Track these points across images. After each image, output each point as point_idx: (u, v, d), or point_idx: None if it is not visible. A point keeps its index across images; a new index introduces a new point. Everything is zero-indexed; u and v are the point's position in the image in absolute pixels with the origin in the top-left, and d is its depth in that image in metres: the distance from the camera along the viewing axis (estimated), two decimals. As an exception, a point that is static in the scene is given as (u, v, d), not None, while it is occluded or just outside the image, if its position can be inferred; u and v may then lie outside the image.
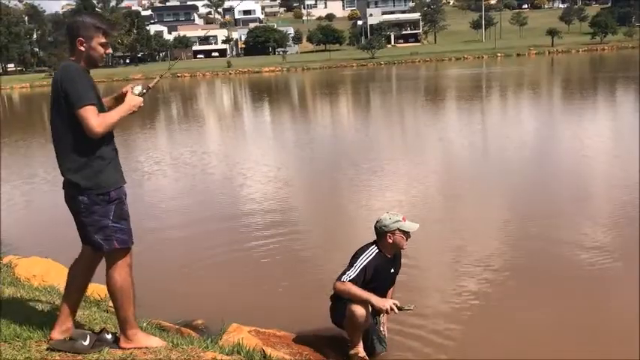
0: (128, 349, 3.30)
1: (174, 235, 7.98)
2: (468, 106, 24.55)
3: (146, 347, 3.33)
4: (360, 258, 4.10)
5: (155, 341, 3.42)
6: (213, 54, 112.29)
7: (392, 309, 3.95)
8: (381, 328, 4.42)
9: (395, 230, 4.15)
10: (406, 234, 4.18)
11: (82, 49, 3.20)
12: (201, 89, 55.37)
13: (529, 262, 6.27)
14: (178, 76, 76.60)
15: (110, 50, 3.35)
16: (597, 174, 10.55)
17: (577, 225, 7.49)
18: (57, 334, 3.32)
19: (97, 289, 4.74)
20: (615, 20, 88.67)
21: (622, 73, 37.89)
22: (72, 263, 3.47)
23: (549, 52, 77.69)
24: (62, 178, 3.29)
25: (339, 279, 4.05)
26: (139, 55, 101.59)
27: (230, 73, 79.11)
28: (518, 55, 76.29)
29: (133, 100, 3.31)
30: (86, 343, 3.21)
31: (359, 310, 3.97)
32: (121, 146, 3.49)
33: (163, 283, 5.94)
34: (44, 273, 5.40)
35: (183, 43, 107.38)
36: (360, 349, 4.16)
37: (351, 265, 4.09)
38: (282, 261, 6.73)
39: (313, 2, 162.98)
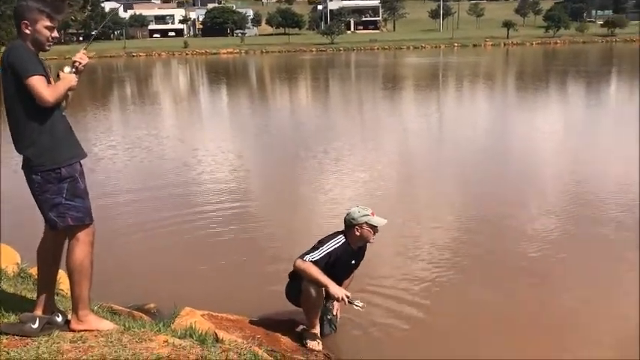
0: (79, 331, 3.26)
1: (126, 218, 7.87)
2: (426, 95, 24.87)
3: (97, 330, 3.29)
4: (327, 244, 4.16)
5: (107, 324, 3.39)
6: (170, 34, 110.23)
7: (343, 299, 4.02)
8: (333, 312, 4.49)
9: (363, 224, 4.22)
10: (374, 228, 4.25)
11: (28, 32, 3.18)
12: (156, 69, 54.29)
13: (481, 250, 6.43)
14: (133, 56, 74.98)
15: (56, 34, 3.30)
16: (549, 165, 10.85)
17: (526, 214, 7.71)
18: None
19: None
20: (568, 15, 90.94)
21: (573, 67, 38.96)
22: (38, 245, 3.41)
23: (504, 44, 79.20)
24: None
25: (301, 257, 4.10)
26: (93, 33, 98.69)
27: (187, 54, 77.81)
28: (474, 45, 77.55)
29: (69, 75, 3.25)
30: (35, 326, 3.15)
31: (314, 291, 4.03)
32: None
33: (116, 266, 5.86)
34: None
35: (139, 21, 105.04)
36: (317, 329, 4.22)
37: (316, 248, 4.15)
38: (237, 244, 6.72)
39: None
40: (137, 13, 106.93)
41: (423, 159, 11.72)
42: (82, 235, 3.24)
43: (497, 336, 4.56)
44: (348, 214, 4.28)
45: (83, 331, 3.25)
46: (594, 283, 5.48)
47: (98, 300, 4.51)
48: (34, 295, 4.13)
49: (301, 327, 4.37)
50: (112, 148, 12.92)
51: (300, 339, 4.22)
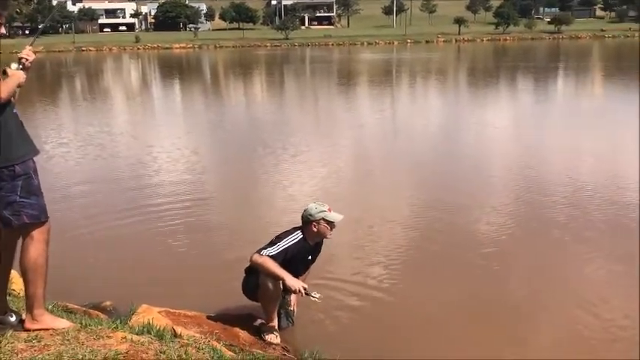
0: (33, 330, 3.22)
1: (80, 216, 7.73)
2: (380, 91, 25.15)
3: (52, 329, 3.26)
4: (285, 240, 4.19)
5: (62, 323, 3.35)
6: (121, 28, 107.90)
7: (300, 291, 4.08)
8: (290, 305, 4.55)
9: (320, 220, 4.27)
10: (330, 224, 4.31)
11: None
12: (108, 64, 53.13)
13: (434, 243, 6.60)
14: (83, 50, 73.18)
15: (4, 30, 3.23)
16: (500, 158, 11.15)
17: (479, 206, 7.93)
18: None
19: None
20: (517, 12, 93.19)
21: (522, 62, 40.01)
22: None
23: (456, 40, 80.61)
24: None
25: (258, 252, 4.13)
26: (40, 27, 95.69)
27: (139, 49, 76.40)
28: (427, 42, 78.68)
29: (17, 72, 3.21)
30: (-13, 326, 3.11)
31: (271, 284, 4.08)
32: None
33: (70, 265, 5.77)
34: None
35: (89, 15, 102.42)
36: (274, 323, 4.28)
37: (273, 243, 4.18)
38: (193, 241, 6.70)
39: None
40: (86, 7, 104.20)
41: (379, 154, 11.87)
42: (37, 234, 3.20)
43: (450, 327, 4.69)
44: (305, 211, 4.34)
45: (38, 330, 3.21)
46: (545, 273, 5.69)
47: (52, 299, 4.44)
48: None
49: (259, 321, 4.41)
50: (64, 146, 12.63)
51: (259, 333, 4.26)
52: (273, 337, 4.20)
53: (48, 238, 3.26)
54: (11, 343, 2.98)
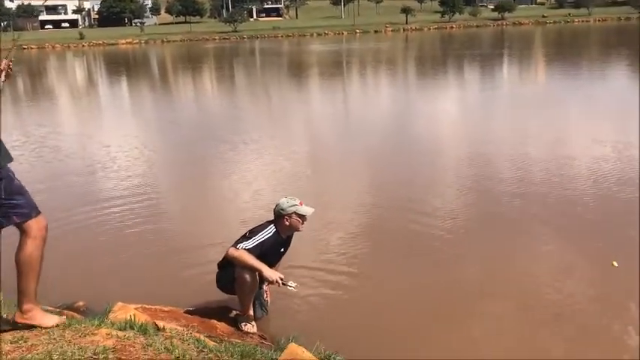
0: (22, 324, 3.28)
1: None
2: (330, 83, 25.35)
3: (40, 325, 3.31)
4: (259, 234, 4.32)
5: (52, 319, 3.40)
6: (63, 24, 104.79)
7: (277, 281, 4.23)
8: (264, 296, 4.69)
9: (292, 213, 4.41)
10: (302, 217, 4.45)
11: None
12: (51, 62, 51.61)
13: (393, 231, 6.83)
14: (24, 48, 70.60)
15: None
16: (450, 145, 11.50)
17: (431, 193, 8.22)
18: None
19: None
20: (462, 0, 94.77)
21: (468, 50, 40.89)
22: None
23: (404, 30, 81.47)
24: None
25: (233, 246, 4.25)
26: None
27: (83, 45, 74.39)
28: (375, 31, 79.26)
29: None
30: (-29, 329, 3.15)
31: (249, 276, 4.21)
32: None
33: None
34: None
35: (28, 12, 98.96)
36: (251, 313, 4.41)
37: (248, 237, 4.30)
38: (158, 237, 6.74)
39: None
40: (25, 3, 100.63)
41: (334, 146, 12.06)
42: (35, 230, 3.26)
43: (413, 311, 4.92)
44: (277, 205, 4.47)
45: (27, 325, 3.27)
46: (497, 255, 5.99)
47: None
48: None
49: (234, 312, 4.54)
50: (18, 148, 12.33)
51: (235, 323, 4.40)
52: (250, 327, 4.34)
53: (45, 235, 3.33)
54: (-3, 345, 3.03)
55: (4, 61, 3.34)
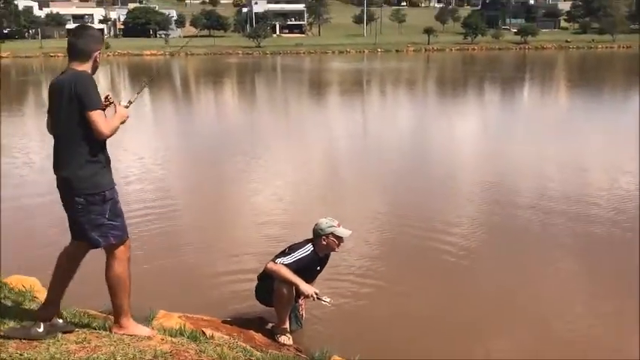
0: (120, 333, 3.58)
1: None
2: (351, 100, 25.65)
3: (134, 334, 3.59)
4: (298, 251, 4.57)
5: (144, 330, 3.70)
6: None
7: (312, 296, 4.46)
8: (300, 310, 4.91)
9: (329, 234, 4.65)
10: (339, 239, 4.69)
11: None
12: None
13: (409, 246, 7.02)
14: (52, 56, 72.07)
15: None
16: (468, 167, 11.67)
17: (450, 209, 8.40)
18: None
19: (20, 280, 4.82)
20: (484, 22, 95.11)
21: (490, 72, 41.07)
22: (60, 254, 3.63)
23: (425, 50, 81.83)
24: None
25: (272, 260, 4.49)
26: (6, 32, 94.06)
27: (108, 55, 75.60)
28: (397, 51, 79.75)
29: (123, 110, 3.54)
30: (41, 329, 3.39)
31: (286, 290, 4.44)
32: None
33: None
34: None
35: (56, 20, 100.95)
36: (286, 325, 4.63)
37: (287, 254, 4.55)
38: (191, 250, 6.99)
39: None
40: (54, 12, 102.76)
41: (353, 162, 12.29)
42: (121, 252, 3.53)
43: (441, 324, 5.11)
44: (316, 225, 4.71)
45: (123, 334, 3.58)
46: (515, 274, 6.15)
47: (72, 306, 4.72)
48: (16, 304, 4.33)
49: (271, 324, 4.76)
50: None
51: (271, 335, 4.62)
52: (286, 339, 4.56)
53: (130, 255, 3.60)
54: (64, 344, 3.28)
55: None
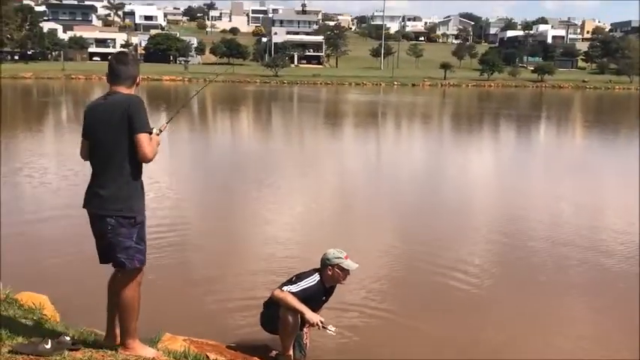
0: (127, 354, 3.66)
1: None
2: (366, 133, 25.80)
3: (141, 356, 3.68)
4: (305, 280, 4.60)
5: (150, 352, 3.79)
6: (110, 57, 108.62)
7: (317, 324, 4.47)
8: (304, 338, 4.91)
9: (335, 265, 4.67)
10: (344, 271, 4.71)
11: None
12: (95, 93, 53.38)
13: (417, 283, 7.01)
14: (72, 78, 73.42)
15: None
16: (482, 204, 11.66)
17: (461, 250, 8.37)
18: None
19: (31, 297, 4.88)
20: (502, 60, 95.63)
21: (506, 110, 41.16)
22: (109, 279, 3.81)
23: (442, 85, 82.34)
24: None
25: (279, 288, 4.52)
26: (30, 53, 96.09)
27: (129, 79, 76.93)
28: (413, 85, 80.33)
29: (156, 137, 3.66)
30: (48, 346, 3.44)
31: (291, 317, 4.46)
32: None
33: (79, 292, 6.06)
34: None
35: (79, 43, 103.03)
36: (290, 353, 4.63)
37: (294, 282, 4.59)
38: (200, 277, 7.03)
39: (218, 15, 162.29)
40: (77, 35, 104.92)
41: (366, 194, 12.31)
42: (136, 276, 3.62)
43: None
44: (324, 255, 4.74)
45: (129, 354, 3.66)
46: (523, 319, 6.09)
47: (80, 325, 4.77)
48: (25, 320, 4.39)
49: (275, 352, 4.77)
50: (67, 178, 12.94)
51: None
52: (290, 367, 4.56)
53: (141, 280, 3.70)
54: (70, 362, 3.32)
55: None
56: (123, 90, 3.62)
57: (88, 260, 7.08)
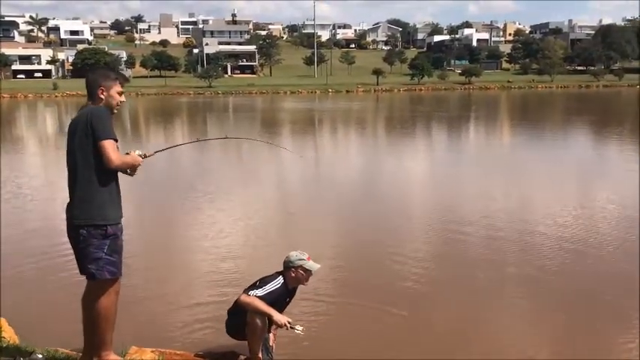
0: None
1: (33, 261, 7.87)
2: (303, 140, 26.05)
3: None
4: (269, 284, 4.70)
5: None
6: (36, 74, 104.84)
7: (285, 325, 4.60)
8: (270, 341, 5.03)
9: (298, 267, 4.80)
10: (307, 272, 4.84)
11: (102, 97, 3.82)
12: (21, 113, 51.47)
13: (360, 286, 7.26)
14: (-4, 97, 70.45)
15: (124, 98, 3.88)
16: (419, 203, 12.07)
17: (400, 249, 8.70)
18: None
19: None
20: (431, 64, 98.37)
21: (437, 112, 42.44)
22: (82, 296, 3.77)
23: (375, 90, 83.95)
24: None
25: (245, 293, 4.62)
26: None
27: (56, 96, 74.56)
28: (347, 91, 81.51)
29: (137, 157, 3.77)
30: (24, 364, 3.45)
31: (260, 321, 4.56)
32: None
33: (39, 310, 5.97)
34: None
35: (2, 61, 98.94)
36: (260, 357, 4.74)
37: (258, 287, 4.67)
38: (157, 286, 7.02)
39: (146, 27, 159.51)
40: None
41: (308, 200, 12.50)
42: (110, 287, 3.63)
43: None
44: (287, 257, 4.87)
45: None
46: (466, 312, 6.37)
47: (42, 344, 4.72)
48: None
49: (243, 357, 4.87)
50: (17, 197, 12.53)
51: (245, 365, 4.73)
52: (259, 371, 4.67)
53: (119, 289, 3.70)
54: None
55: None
56: (90, 103, 3.74)
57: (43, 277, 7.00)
